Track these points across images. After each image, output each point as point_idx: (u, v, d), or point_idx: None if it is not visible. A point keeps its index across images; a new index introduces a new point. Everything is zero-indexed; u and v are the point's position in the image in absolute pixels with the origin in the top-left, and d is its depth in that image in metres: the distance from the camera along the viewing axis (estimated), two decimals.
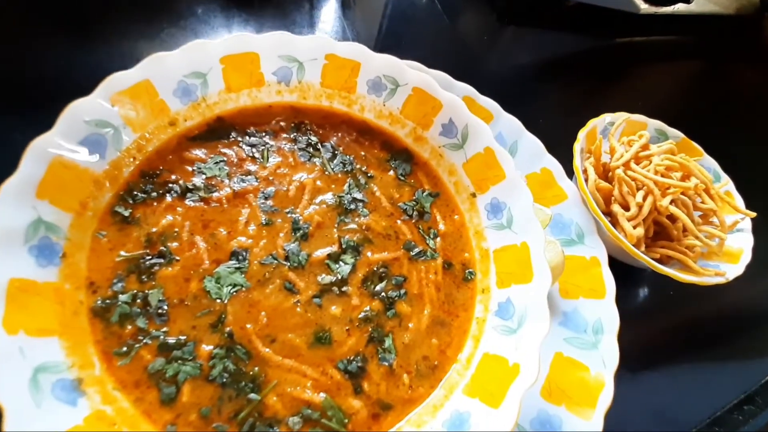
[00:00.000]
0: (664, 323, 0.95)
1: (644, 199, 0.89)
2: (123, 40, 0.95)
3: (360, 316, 0.60)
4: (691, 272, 0.88)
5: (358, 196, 0.70)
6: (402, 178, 0.74)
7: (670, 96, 1.41)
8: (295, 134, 0.73)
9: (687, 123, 1.12)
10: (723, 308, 0.97)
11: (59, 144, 0.53)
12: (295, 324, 0.58)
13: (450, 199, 0.74)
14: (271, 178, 0.68)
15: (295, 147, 0.72)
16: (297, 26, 1.16)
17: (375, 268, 0.64)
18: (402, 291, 0.64)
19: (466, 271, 0.68)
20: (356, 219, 0.68)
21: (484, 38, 1.38)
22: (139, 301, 0.54)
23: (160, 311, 0.54)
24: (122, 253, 0.57)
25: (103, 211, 0.58)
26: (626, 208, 0.90)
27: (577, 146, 0.95)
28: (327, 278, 0.62)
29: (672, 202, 0.91)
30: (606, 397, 0.72)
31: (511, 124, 0.99)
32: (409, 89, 0.73)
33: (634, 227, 0.87)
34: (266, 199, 0.66)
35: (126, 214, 0.59)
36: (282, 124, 0.73)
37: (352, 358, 0.57)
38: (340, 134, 0.76)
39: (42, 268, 0.49)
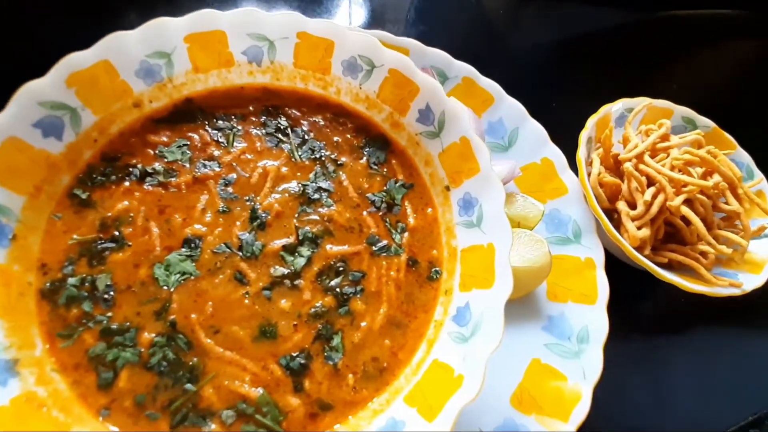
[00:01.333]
0: (670, 333, 0.87)
1: (654, 197, 0.80)
2: (116, 17, 0.95)
3: (310, 311, 0.58)
4: (700, 281, 0.79)
5: (324, 185, 0.67)
6: (375, 167, 0.70)
7: (712, 80, 1.25)
8: (264, 118, 0.70)
9: (725, 111, 1.00)
10: (738, 321, 0.87)
11: (10, 126, 0.53)
12: (241, 316, 0.56)
13: (425, 192, 0.70)
14: (234, 164, 0.66)
15: (263, 132, 0.69)
16: None
17: (333, 262, 0.62)
18: (359, 287, 0.61)
19: (432, 270, 0.64)
20: (319, 209, 0.65)
21: (500, 12, 1.28)
22: (87, 284, 0.55)
23: (106, 296, 0.55)
24: (75, 236, 0.57)
25: (61, 193, 0.59)
26: (634, 206, 0.82)
27: (584, 135, 0.86)
28: (280, 270, 0.60)
29: (688, 202, 0.81)
30: (581, 411, 0.67)
31: (513, 109, 0.92)
32: (386, 71, 0.68)
33: (639, 228, 0.79)
34: (227, 185, 0.64)
35: (84, 197, 0.59)
36: (251, 107, 0.70)
37: (296, 354, 0.56)
38: (314, 119, 0.73)
39: None
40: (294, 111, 0.72)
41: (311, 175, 0.67)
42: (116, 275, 0.56)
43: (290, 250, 0.61)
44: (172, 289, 0.56)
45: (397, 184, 0.69)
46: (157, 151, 0.64)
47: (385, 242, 0.65)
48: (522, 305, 0.77)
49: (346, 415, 0.54)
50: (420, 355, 0.58)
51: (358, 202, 0.67)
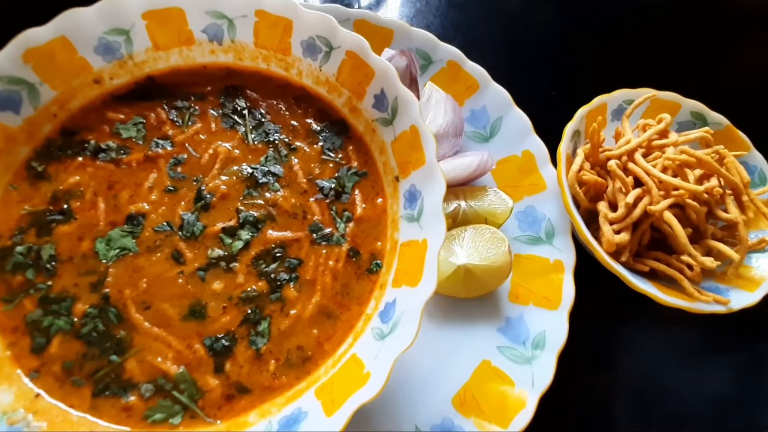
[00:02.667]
0: (642, 345, 0.80)
1: (639, 199, 0.74)
2: None
3: (241, 295, 0.59)
4: (681, 294, 0.72)
5: (274, 169, 0.66)
6: (329, 153, 0.69)
7: (741, 71, 1.11)
8: (223, 98, 0.70)
9: (747, 108, 0.89)
10: (729, 339, 0.79)
11: None
12: (173, 294, 0.58)
13: (377, 181, 0.67)
14: (187, 144, 0.67)
15: (220, 112, 0.69)
16: None
17: (271, 248, 0.62)
18: (294, 275, 0.61)
19: (374, 263, 0.63)
20: (265, 193, 0.65)
21: None
22: (32, 253, 0.58)
23: (48, 266, 0.57)
24: (26, 207, 0.60)
25: (19, 164, 0.62)
26: (616, 207, 0.76)
27: (570, 127, 0.80)
28: (217, 252, 0.60)
29: (679, 207, 0.74)
30: (522, 419, 0.64)
31: (498, 96, 0.87)
32: (343, 53, 0.66)
33: (617, 231, 0.73)
34: (176, 165, 0.65)
35: (40, 169, 0.62)
36: (209, 87, 0.70)
37: (221, 336, 0.57)
38: (274, 101, 0.72)
39: None
40: (254, 93, 0.71)
41: (262, 159, 0.67)
42: (60, 246, 0.59)
43: (230, 232, 0.62)
44: (109, 263, 0.58)
45: (349, 172, 0.67)
46: (113, 128, 0.66)
47: (328, 230, 0.64)
48: (481, 304, 0.74)
49: (263, 399, 0.54)
50: (344, 347, 0.57)
51: (306, 188, 0.66)
